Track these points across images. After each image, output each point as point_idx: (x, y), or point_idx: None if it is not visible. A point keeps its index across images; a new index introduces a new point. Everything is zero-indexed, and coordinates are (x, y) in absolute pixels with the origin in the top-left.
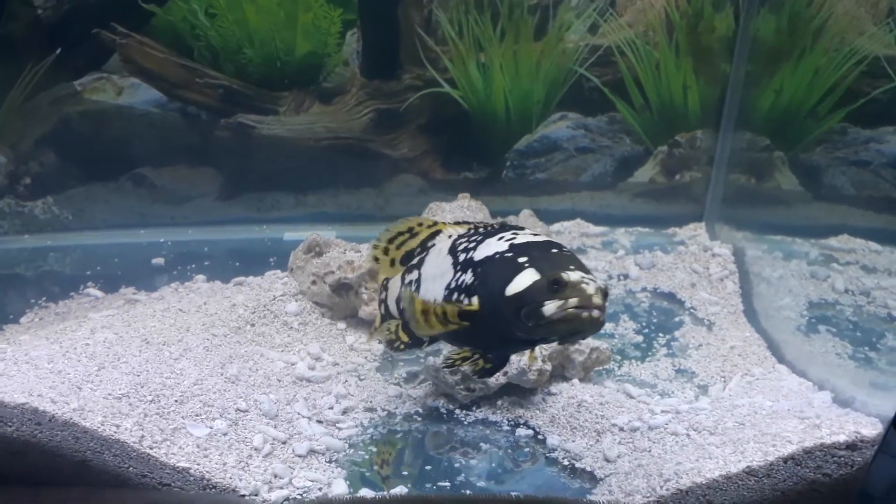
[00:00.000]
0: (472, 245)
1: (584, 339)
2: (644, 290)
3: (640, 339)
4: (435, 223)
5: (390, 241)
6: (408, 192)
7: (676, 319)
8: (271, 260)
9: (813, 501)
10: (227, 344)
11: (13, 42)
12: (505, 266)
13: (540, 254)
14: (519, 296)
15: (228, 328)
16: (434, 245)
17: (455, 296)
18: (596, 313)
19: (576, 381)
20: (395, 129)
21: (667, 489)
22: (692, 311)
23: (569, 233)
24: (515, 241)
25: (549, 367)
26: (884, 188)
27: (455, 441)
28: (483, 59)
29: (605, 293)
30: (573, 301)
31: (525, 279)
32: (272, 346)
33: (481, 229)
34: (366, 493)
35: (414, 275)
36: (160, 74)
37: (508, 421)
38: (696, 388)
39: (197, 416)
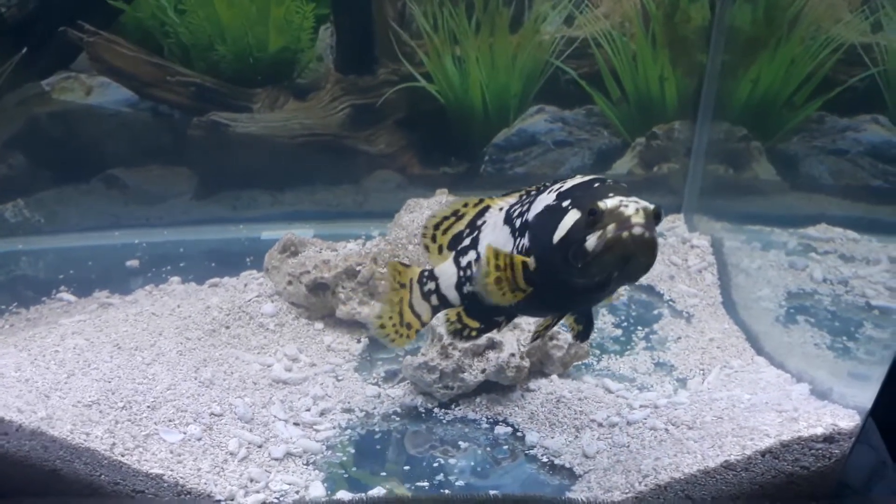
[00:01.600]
0: (525, 208)
1: (644, 269)
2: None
3: (619, 332)
4: (481, 200)
5: (436, 227)
6: (386, 188)
7: (655, 312)
8: (248, 260)
9: (791, 494)
10: (201, 347)
11: None
12: (551, 215)
13: (582, 192)
14: (564, 239)
15: (203, 331)
16: (485, 221)
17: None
18: (638, 230)
19: (554, 376)
20: (372, 124)
21: (645, 485)
22: (671, 303)
23: None
24: (562, 189)
25: (527, 363)
26: (861, 177)
27: (434, 440)
28: (459, 53)
29: (650, 213)
30: (611, 227)
31: (568, 221)
32: (248, 348)
33: (532, 191)
34: (344, 495)
35: (471, 255)
36: (130, 73)
37: (487, 419)
38: (675, 382)
39: (170, 421)
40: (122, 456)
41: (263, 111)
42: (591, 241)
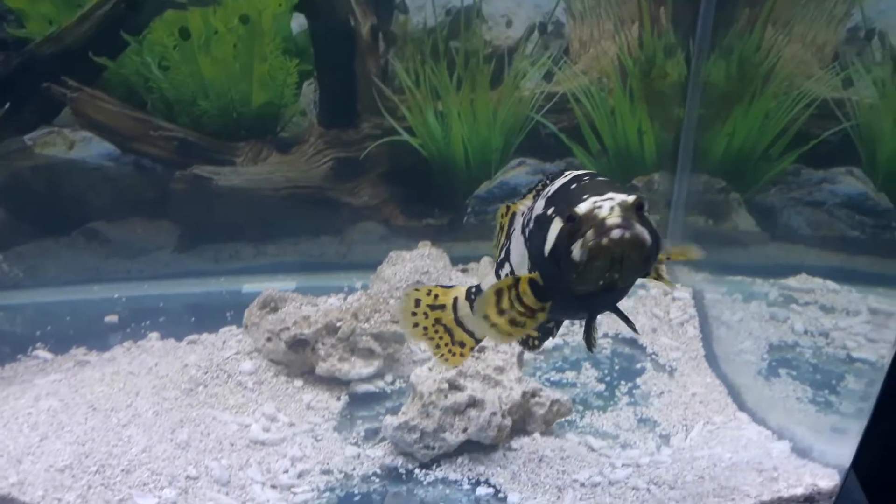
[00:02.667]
0: (530, 215)
1: (643, 263)
2: (606, 335)
3: (602, 387)
4: (508, 207)
5: (496, 246)
6: (369, 240)
7: (638, 366)
8: (228, 314)
9: None
10: (178, 407)
11: None
12: (539, 226)
13: (562, 196)
14: (553, 252)
15: (180, 390)
16: (514, 230)
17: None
18: (616, 234)
19: (537, 434)
20: (355, 177)
21: None
22: (654, 356)
23: None
24: (549, 193)
25: (509, 422)
26: (839, 227)
27: (415, 502)
28: (441, 108)
29: (628, 207)
30: (590, 234)
31: (553, 232)
32: (225, 407)
33: (540, 189)
34: None
35: (506, 267)
36: (113, 127)
37: (469, 479)
38: (658, 438)
39: (144, 485)
40: None
41: (246, 164)
42: (576, 251)
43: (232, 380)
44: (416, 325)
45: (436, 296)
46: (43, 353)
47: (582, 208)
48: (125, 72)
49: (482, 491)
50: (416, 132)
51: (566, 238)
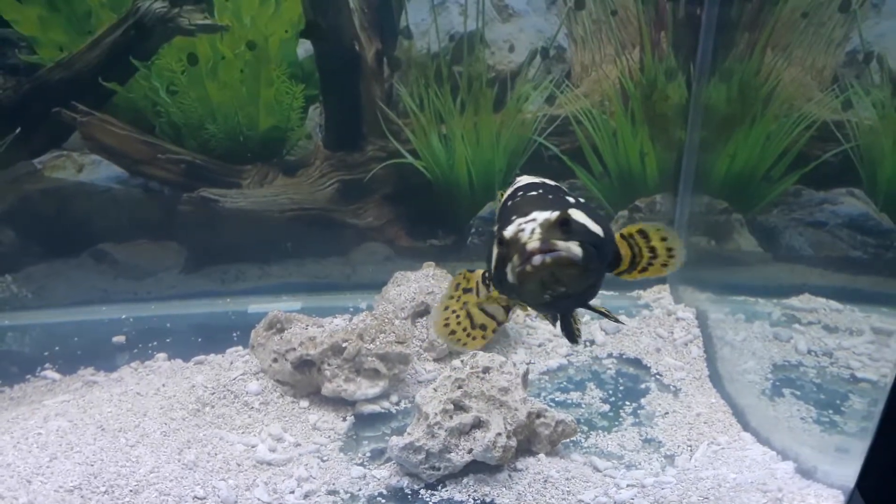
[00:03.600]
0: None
1: (577, 281)
2: (610, 356)
3: (606, 407)
4: (502, 194)
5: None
6: (374, 260)
7: (643, 386)
8: (234, 335)
9: None
10: (185, 428)
11: None
12: (488, 239)
13: (503, 212)
14: (495, 270)
15: (187, 411)
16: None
17: None
18: (537, 260)
19: (542, 455)
20: (360, 198)
21: None
22: (658, 377)
23: None
24: (501, 202)
25: (514, 442)
26: (841, 248)
27: None
28: (444, 131)
29: (550, 226)
30: (516, 259)
31: (494, 252)
32: (232, 427)
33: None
34: None
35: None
36: (121, 151)
37: (474, 500)
38: (663, 459)
39: None
40: None
41: (253, 187)
42: (509, 274)
43: (238, 400)
44: (447, 307)
45: (467, 279)
46: (51, 374)
47: (508, 232)
48: (134, 96)
49: None
50: (421, 154)
51: (501, 261)
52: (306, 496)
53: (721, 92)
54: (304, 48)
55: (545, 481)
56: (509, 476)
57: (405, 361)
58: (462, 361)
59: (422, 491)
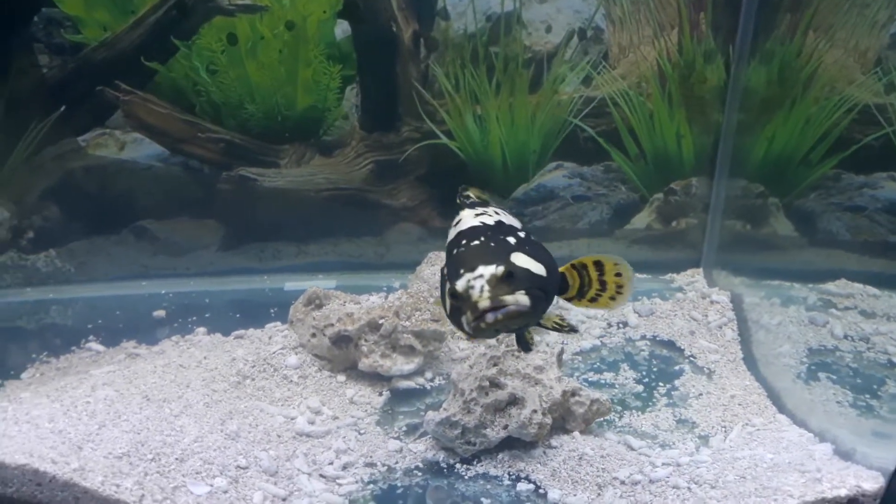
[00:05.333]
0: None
1: (527, 321)
2: (643, 337)
3: (640, 388)
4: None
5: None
6: (407, 240)
7: (676, 368)
8: (272, 311)
9: None
10: (227, 399)
11: (19, 100)
12: (442, 284)
13: (449, 261)
14: (450, 316)
15: (228, 383)
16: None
17: None
18: (490, 318)
19: (576, 433)
20: (395, 179)
21: None
22: (692, 359)
23: None
24: (448, 247)
25: (549, 419)
26: (879, 233)
27: (456, 496)
28: (479, 112)
29: (496, 283)
30: (469, 315)
31: (447, 296)
32: (272, 400)
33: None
34: None
35: None
36: (163, 129)
37: (509, 475)
38: (697, 439)
39: (197, 473)
40: None
41: (290, 166)
42: (464, 324)
43: (278, 374)
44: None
45: None
46: (95, 346)
47: (459, 286)
48: (175, 76)
49: (522, 487)
50: (455, 135)
51: (456, 312)
52: (345, 468)
53: (760, 74)
54: (342, 29)
55: (580, 458)
56: (544, 452)
57: (440, 339)
58: (497, 340)
59: (457, 465)
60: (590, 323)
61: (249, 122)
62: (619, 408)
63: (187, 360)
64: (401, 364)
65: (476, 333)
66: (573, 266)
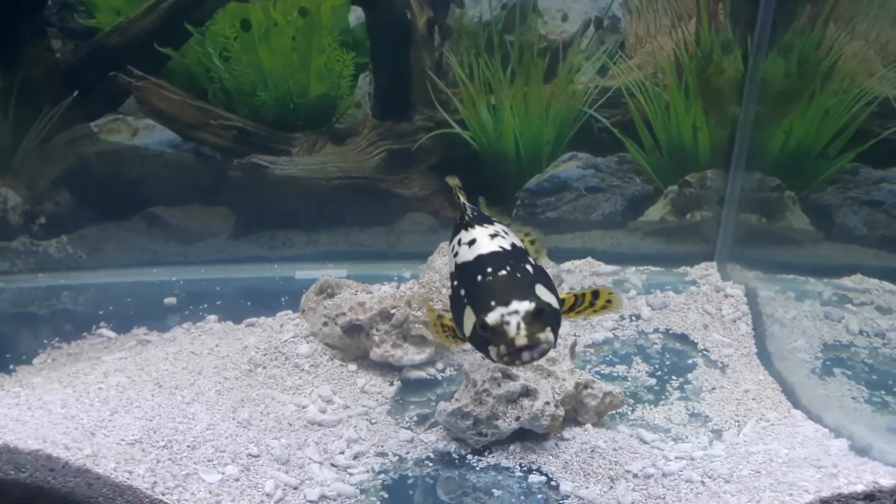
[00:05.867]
0: (454, 249)
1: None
2: (656, 331)
3: (653, 381)
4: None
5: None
6: (419, 230)
7: (689, 361)
8: (283, 299)
9: None
10: (238, 387)
11: (32, 85)
12: (457, 302)
13: (471, 283)
14: (472, 339)
15: (240, 371)
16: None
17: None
18: (526, 356)
19: (589, 425)
20: (407, 168)
21: None
22: (705, 353)
23: (580, 271)
24: (458, 261)
25: (561, 412)
26: None
27: (467, 487)
28: (493, 101)
29: (531, 320)
30: (503, 349)
31: (468, 321)
32: (283, 388)
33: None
34: None
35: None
36: (175, 116)
37: (521, 466)
38: (710, 433)
39: (209, 461)
40: (163, 495)
41: (302, 154)
42: (493, 354)
43: (289, 362)
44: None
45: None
46: (106, 332)
47: (491, 319)
48: (188, 62)
49: (534, 478)
50: (468, 125)
51: (482, 339)
52: (356, 457)
53: (779, 66)
54: (356, 15)
55: (592, 451)
56: (556, 444)
57: None
58: None
59: (469, 456)
60: (602, 315)
61: (262, 110)
62: (632, 401)
63: (199, 347)
64: (412, 354)
65: (505, 365)
66: (574, 296)
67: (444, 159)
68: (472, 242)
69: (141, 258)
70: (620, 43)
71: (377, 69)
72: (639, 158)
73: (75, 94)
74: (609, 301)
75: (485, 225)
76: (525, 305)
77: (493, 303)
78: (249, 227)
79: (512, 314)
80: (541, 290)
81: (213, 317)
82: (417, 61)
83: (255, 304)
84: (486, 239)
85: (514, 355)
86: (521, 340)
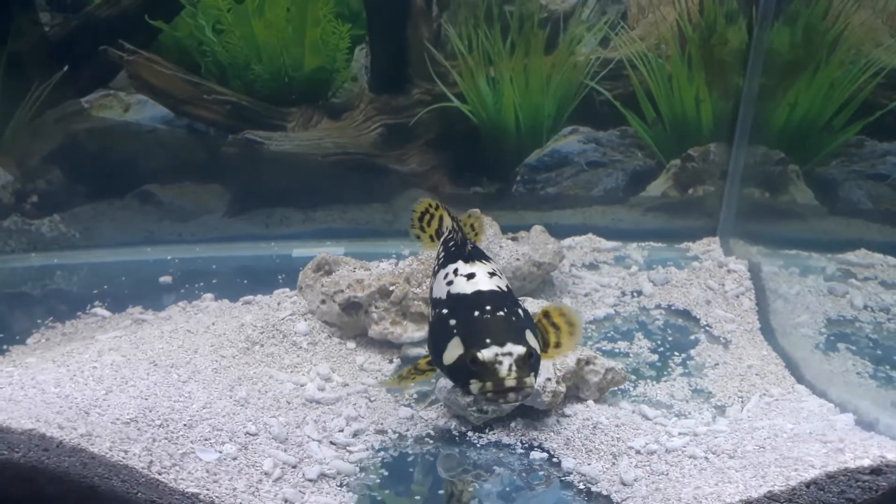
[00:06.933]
0: (436, 269)
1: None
2: (658, 306)
3: (655, 357)
4: (437, 207)
5: (420, 219)
6: None
7: (692, 337)
8: (280, 277)
9: None
10: (235, 365)
11: (20, 59)
12: (441, 328)
13: (465, 317)
14: (452, 368)
15: (237, 349)
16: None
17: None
18: (511, 397)
19: (591, 402)
20: (404, 144)
21: None
22: (708, 328)
23: (580, 248)
24: (451, 290)
25: (563, 388)
26: None
27: (468, 464)
28: (493, 74)
29: (522, 364)
30: (489, 385)
31: (454, 351)
32: (281, 366)
33: (452, 238)
34: None
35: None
36: (167, 91)
37: (522, 443)
38: (714, 409)
39: (206, 440)
40: (160, 474)
41: (297, 130)
42: (474, 387)
43: (287, 340)
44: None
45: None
46: (101, 311)
47: (486, 356)
48: (180, 35)
49: (536, 455)
50: (467, 98)
51: (466, 370)
52: (355, 434)
53: (784, 36)
54: None
55: (594, 427)
56: (557, 421)
57: None
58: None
59: (469, 433)
60: (603, 292)
61: (256, 84)
62: (634, 377)
63: (195, 325)
64: (411, 331)
65: (485, 402)
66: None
67: (442, 134)
68: (470, 276)
69: (135, 237)
70: (622, 13)
71: (374, 41)
72: (641, 132)
73: (65, 69)
74: (570, 322)
75: (483, 262)
76: (519, 349)
77: (488, 340)
78: (245, 204)
79: (506, 355)
80: (529, 336)
81: (209, 295)
82: (415, 33)
83: (252, 283)
84: (486, 276)
85: (500, 394)
86: (511, 382)
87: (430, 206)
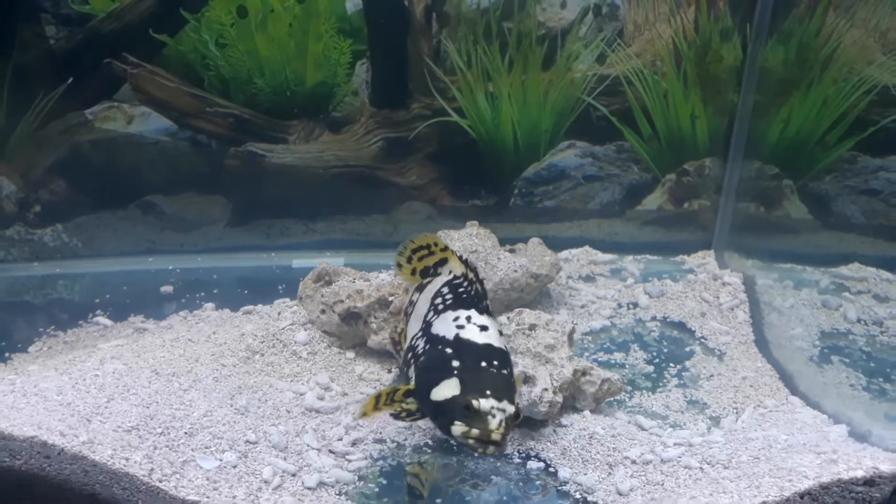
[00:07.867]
0: (441, 307)
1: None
2: (654, 318)
3: (650, 369)
4: (445, 249)
5: (414, 251)
6: (416, 219)
7: (687, 349)
8: (280, 288)
9: None
10: (236, 374)
11: (25, 71)
12: (440, 364)
13: (472, 364)
14: (438, 404)
15: (237, 358)
16: (432, 281)
17: (409, 355)
18: (491, 450)
19: (587, 412)
20: (404, 157)
21: None
22: (703, 340)
23: (577, 260)
24: (461, 334)
25: (560, 398)
26: (895, 217)
27: (465, 473)
28: (491, 89)
29: (511, 422)
30: (475, 432)
31: (447, 390)
32: (281, 375)
33: (463, 285)
34: None
35: (414, 297)
36: (171, 103)
37: (519, 453)
38: (709, 420)
39: (206, 448)
40: (160, 482)
41: (299, 142)
42: (457, 429)
43: (287, 349)
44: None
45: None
46: (103, 320)
47: (483, 406)
48: (183, 49)
49: (533, 465)
50: (466, 113)
51: (453, 411)
52: (354, 444)
53: (778, 54)
54: (353, 2)
55: (590, 437)
56: (554, 431)
57: None
58: (508, 318)
59: None
60: (600, 304)
61: (258, 97)
62: (630, 388)
63: (196, 334)
64: None
65: (467, 445)
66: None
67: (441, 148)
68: (483, 328)
69: (137, 247)
70: (619, 30)
71: (375, 56)
72: (637, 147)
73: (70, 81)
74: None
75: (494, 319)
76: (511, 409)
77: (488, 392)
78: (246, 215)
79: (500, 410)
80: (514, 395)
81: (210, 305)
82: (415, 48)
83: (253, 293)
84: (496, 334)
85: (483, 444)
86: (496, 436)
87: (435, 244)
